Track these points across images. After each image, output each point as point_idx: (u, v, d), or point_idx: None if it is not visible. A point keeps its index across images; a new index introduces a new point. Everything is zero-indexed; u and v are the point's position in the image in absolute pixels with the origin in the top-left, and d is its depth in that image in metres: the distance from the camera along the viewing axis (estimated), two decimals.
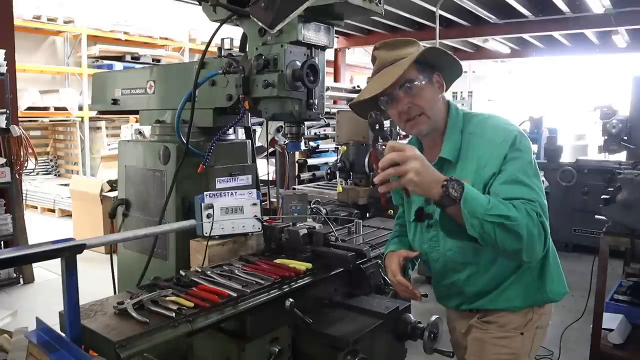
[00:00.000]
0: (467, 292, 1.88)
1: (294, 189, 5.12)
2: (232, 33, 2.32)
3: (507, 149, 1.68)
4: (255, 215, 2.28)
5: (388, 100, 1.79)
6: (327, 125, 6.51)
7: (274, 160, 5.41)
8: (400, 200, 2.09)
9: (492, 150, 1.71)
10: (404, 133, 6.81)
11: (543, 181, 1.78)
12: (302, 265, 2.03)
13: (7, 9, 5.47)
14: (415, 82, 1.75)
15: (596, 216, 3.53)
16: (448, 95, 1.95)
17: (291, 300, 1.81)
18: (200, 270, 1.96)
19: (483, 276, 1.82)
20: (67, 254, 1.45)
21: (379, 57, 1.82)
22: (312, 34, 2.10)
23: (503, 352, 1.85)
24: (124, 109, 2.92)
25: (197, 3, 2.41)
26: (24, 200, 6.72)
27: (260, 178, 2.81)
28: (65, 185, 8.85)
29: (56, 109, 9.61)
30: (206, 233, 2.17)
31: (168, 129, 2.52)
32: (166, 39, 11.28)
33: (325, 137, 6.57)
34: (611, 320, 3.68)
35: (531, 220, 1.54)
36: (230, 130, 2.52)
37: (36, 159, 5.81)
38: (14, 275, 5.40)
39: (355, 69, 14.52)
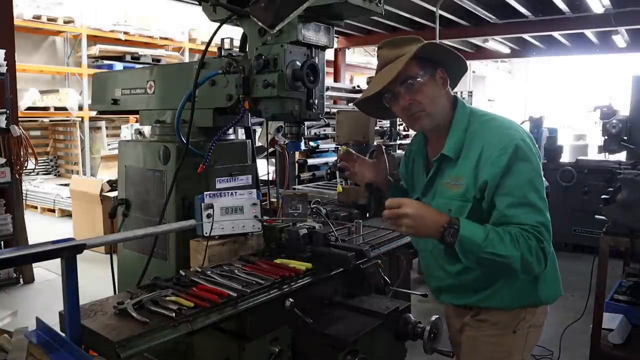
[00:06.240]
0: (458, 287, 1.89)
1: (294, 189, 5.11)
2: (232, 33, 2.32)
3: (508, 159, 1.67)
4: (255, 215, 2.28)
5: (391, 97, 1.82)
6: (327, 125, 6.52)
7: (274, 160, 5.40)
8: (405, 177, 2.13)
9: (490, 155, 1.70)
10: (405, 133, 6.83)
11: (543, 181, 1.79)
12: (302, 265, 2.03)
13: (7, 9, 5.47)
14: (417, 79, 1.76)
15: (596, 216, 3.54)
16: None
17: (291, 300, 1.81)
18: (200, 270, 1.96)
19: (472, 273, 1.81)
20: (67, 254, 1.45)
21: (382, 55, 1.84)
22: (312, 34, 2.10)
23: (495, 349, 1.86)
24: (124, 109, 2.92)
25: (197, 3, 2.41)
26: (24, 200, 6.71)
27: (260, 178, 2.81)
28: (65, 185, 8.85)
29: (56, 109, 9.61)
30: (206, 233, 2.17)
31: (168, 129, 2.52)
32: (166, 39, 11.27)
33: (325, 137, 6.58)
34: (611, 320, 3.68)
35: (529, 251, 1.60)
36: (230, 130, 2.51)
37: (36, 159, 5.80)
38: (14, 275, 5.40)
39: (355, 69, 14.53)
